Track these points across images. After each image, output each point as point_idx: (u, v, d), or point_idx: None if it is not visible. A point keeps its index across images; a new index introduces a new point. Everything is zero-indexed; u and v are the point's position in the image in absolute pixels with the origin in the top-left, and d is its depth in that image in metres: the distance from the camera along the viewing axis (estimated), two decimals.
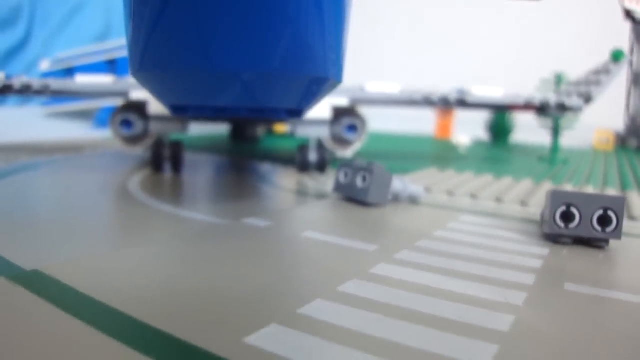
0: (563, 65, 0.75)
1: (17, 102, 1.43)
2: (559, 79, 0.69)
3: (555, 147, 0.71)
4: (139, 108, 0.51)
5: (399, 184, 0.36)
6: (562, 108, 0.53)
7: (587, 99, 0.53)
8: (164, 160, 0.49)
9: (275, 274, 0.22)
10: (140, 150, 0.52)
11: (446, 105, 0.56)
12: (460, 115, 0.97)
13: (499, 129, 0.93)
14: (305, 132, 0.52)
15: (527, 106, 0.55)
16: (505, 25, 1.50)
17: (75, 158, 0.57)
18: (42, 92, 0.53)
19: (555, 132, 0.70)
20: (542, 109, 0.55)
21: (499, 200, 0.39)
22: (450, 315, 0.18)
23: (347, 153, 0.56)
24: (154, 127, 0.51)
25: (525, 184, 0.46)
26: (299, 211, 0.34)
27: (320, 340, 0.16)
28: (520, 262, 0.24)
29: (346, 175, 0.36)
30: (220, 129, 0.83)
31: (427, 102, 0.55)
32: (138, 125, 0.51)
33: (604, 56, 0.62)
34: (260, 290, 0.20)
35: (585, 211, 0.26)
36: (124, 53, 1.07)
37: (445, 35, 1.59)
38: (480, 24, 1.54)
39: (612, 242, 0.27)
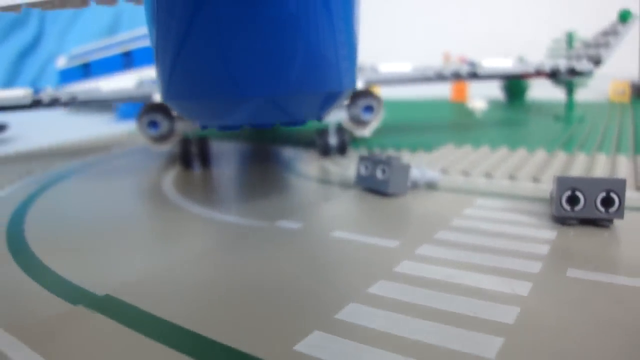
0: (574, 23, 0.74)
1: None
2: (570, 38, 0.69)
3: (570, 105, 0.72)
4: (164, 109, 0.54)
5: (417, 172, 0.39)
6: (573, 73, 0.54)
7: (597, 61, 0.54)
8: (193, 156, 0.53)
9: (310, 278, 0.25)
10: (168, 147, 0.55)
11: (458, 79, 0.57)
12: None
13: (514, 89, 0.94)
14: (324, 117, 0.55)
15: (538, 73, 0.56)
16: None
17: (105, 160, 0.61)
18: (70, 103, 0.56)
19: (569, 91, 0.71)
20: (553, 75, 0.56)
21: (512, 177, 0.41)
22: (465, 311, 0.21)
23: (366, 132, 0.58)
24: (180, 127, 0.54)
25: (539, 155, 0.48)
26: (326, 208, 0.36)
27: (358, 344, 0.19)
28: (529, 249, 0.27)
29: (367, 168, 0.39)
30: None
31: (439, 77, 0.57)
32: (164, 125, 0.54)
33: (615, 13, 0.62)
34: (298, 295, 0.23)
35: (589, 194, 0.29)
36: (138, 44, 1.10)
37: None
38: None
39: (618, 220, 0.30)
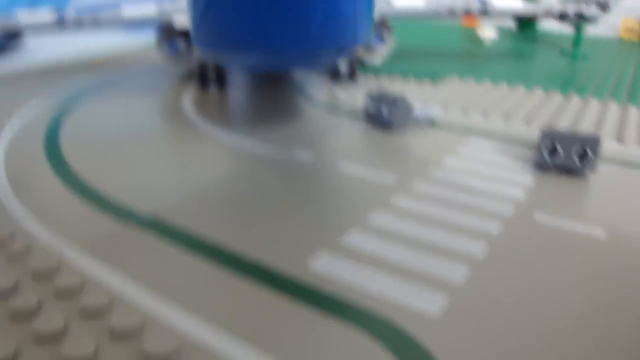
0: None
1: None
2: None
3: (577, 41, 0.73)
4: (183, 34, 0.56)
5: (418, 110, 0.42)
6: (581, 17, 0.56)
7: (604, 7, 0.55)
8: (210, 79, 0.56)
9: (318, 205, 0.30)
10: (186, 67, 0.58)
11: (469, 15, 0.59)
12: None
13: (526, 18, 0.94)
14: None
15: (547, 15, 0.58)
16: None
17: (125, 78, 0.62)
18: (94, 24, 0.57)
19: (578, 28, 0.72)
20: (561, 18, 0.57)
21: (507, 117, 0.45)
22: (443, 243, 0.26)
23: (376, 60, 0.61)
24: (198, 53, 0.56)
25: (536, 95, 0.52)
26: (335, 140, 0.41)
27: (356, 262, 0.24)
28: (508, 192, 0.31)
29: (374, 105, 0.42)
30: None
31: (451, 13, 0.59)
32: (182, 47, 0.56)
33: None
34: (308, 220, 0.28)
35: (566, 148, 0.33)
36: None
37: None
38: None
39: (598, 171, 0.34)
